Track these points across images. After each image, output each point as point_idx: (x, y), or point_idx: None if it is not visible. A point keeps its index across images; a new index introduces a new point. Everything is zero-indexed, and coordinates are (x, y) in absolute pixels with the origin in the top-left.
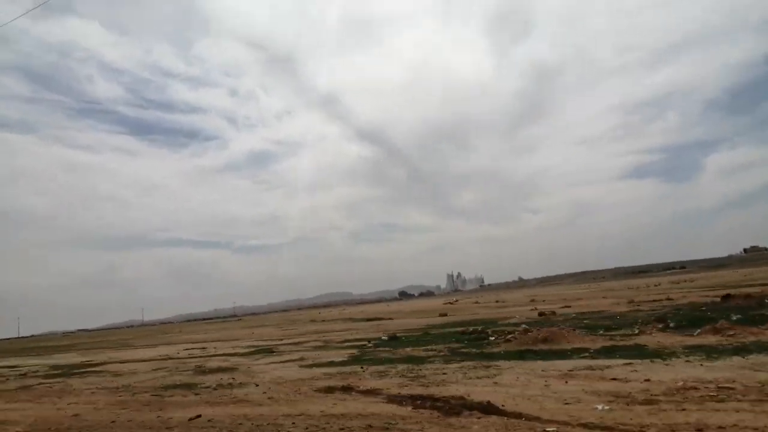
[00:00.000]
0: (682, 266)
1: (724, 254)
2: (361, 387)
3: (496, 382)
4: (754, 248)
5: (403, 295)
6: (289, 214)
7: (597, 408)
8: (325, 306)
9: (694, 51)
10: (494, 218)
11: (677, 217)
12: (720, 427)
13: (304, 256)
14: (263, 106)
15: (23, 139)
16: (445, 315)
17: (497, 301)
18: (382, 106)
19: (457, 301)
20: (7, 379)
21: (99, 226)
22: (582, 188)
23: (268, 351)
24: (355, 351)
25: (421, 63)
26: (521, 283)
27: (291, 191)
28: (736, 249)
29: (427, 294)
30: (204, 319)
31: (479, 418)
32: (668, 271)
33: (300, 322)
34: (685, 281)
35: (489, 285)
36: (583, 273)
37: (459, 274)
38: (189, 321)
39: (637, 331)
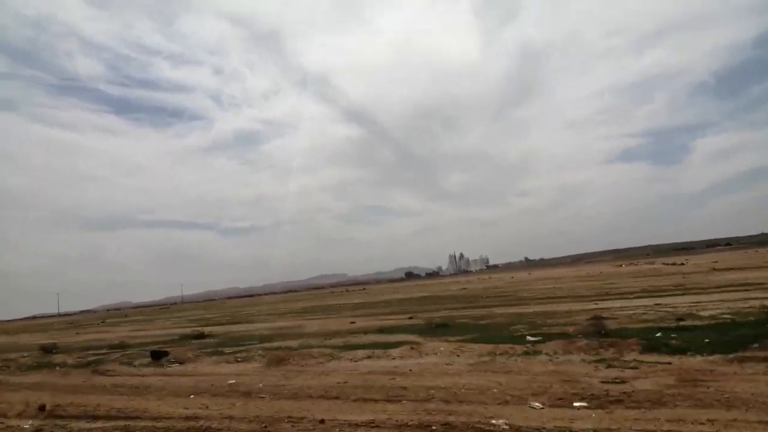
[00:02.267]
0: (727, 243)
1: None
2: None
3: None
4: None
5: (410, 275)
6: (276, 195)
7: None
8: (335, 286)
9: (682, 34)
10: (483, 201)
11: (667, 200)
12: None
13: (292, 238)
14: (249, 86)
15: (2, 117)
16: None
17: None
18: (369, 87)
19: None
20: None
21: (81, 207)
22: (570, 171)
23: None
24: None
25: (409, 43)
26: (531, 264)
27: (278, 172)
28: (728, 232)
29: (433, 275)
30: (249, 296)
31: None
32: (714, 248)
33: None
34: None
35: (496, 266)
36: (615, 251)
37: (462, 255)
38: (236, 297)
39: None
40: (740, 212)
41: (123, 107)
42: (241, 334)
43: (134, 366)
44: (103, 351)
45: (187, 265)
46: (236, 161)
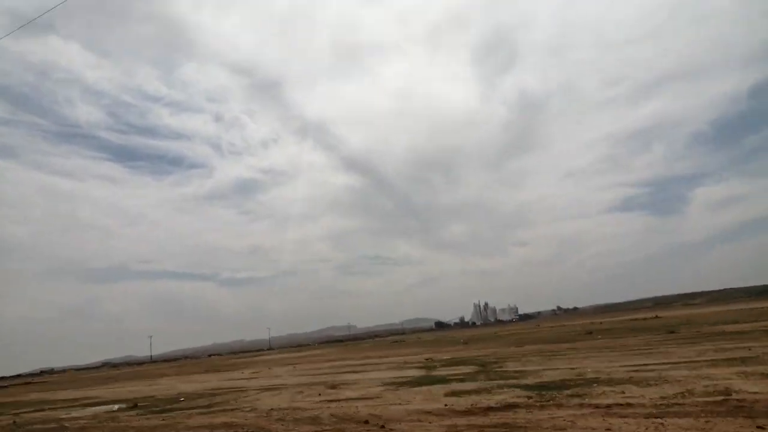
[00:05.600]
0: None
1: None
2: None
3: None
4: None
5: (440, 326)
6: (276, 245)
7: None
8: (352, 340)
9: (679, 84)
10: (485, 251)
11: (668, 251)
12: None
13: (293, 289)
14: (249, 134)
15: (2, 164)
16: None
17: None
18: (369, 136)
19: None
20: None
21: (80, 257)
22: (569, 221)
23: None
24: None
25: (408, 92)
26: (574, 313)
27: (278, 222)
28: (732, 282)
29: (463, 325)
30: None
31: None
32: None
33: None
34: None
35: (528, 315)
36: (674, 296)
37: (486, 304)
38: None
39: None
40: (741, 262)
41: (122, 155)
42: None
43: None
44: None
45: (188, 317)
46: (235, 210)
